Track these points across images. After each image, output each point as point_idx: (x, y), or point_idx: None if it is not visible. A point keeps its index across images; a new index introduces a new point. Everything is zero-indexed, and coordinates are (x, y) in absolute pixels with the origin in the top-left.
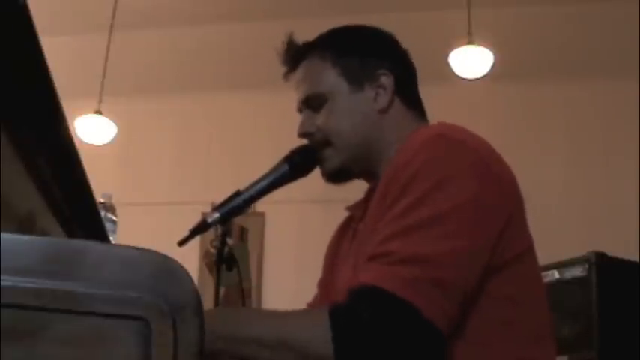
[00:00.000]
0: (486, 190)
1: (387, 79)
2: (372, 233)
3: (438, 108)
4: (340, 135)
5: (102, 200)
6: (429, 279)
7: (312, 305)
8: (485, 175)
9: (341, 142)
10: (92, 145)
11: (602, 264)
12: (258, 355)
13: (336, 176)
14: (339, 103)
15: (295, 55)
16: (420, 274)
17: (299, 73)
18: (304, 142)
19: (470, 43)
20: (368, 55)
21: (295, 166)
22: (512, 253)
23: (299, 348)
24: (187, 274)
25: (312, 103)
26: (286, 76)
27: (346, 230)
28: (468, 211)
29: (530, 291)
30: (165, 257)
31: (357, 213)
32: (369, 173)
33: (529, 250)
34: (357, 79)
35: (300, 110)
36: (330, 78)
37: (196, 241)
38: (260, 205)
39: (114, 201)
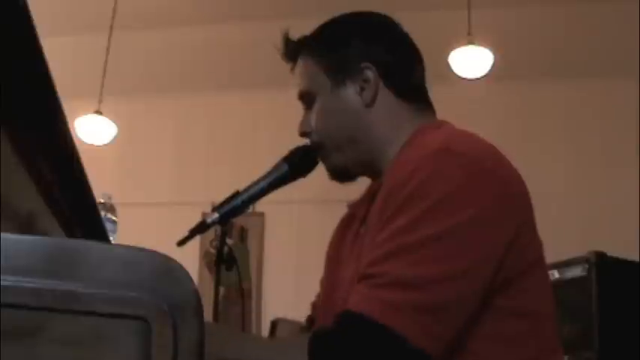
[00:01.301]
0: (488, 207)
1: (370, 72)
2: (371, 248)
3: (438, 108)
4: (328, 136)
5: (102, 200)
6: (416, 303)
7: (315, 305)
8: (488, 191)
9: (331, 141)
10: (92, 145)
11: (602, 264)
12: None
13: (338, 175)
14: (323, 101)
15: (291, 52)
16: (407, 299)
17: (297, 70)
18: (304, 142)
19: (470, 43)
20: (350, 49)
21: (295, 166)
22: (520, 266)
23: None
24: (187, 274)
25: (305, 102)
26: (292, 69)
27: (348, 228)
28: (464, 232)
29: (540, 303)
30: (166, 257)
31: (359, 212)
32: (371, 171)
33: (538, 261)
34: (339, 76)
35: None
36: (316, 76)
37: (196, 241)
38: (260, 206)
39: (114, 201)
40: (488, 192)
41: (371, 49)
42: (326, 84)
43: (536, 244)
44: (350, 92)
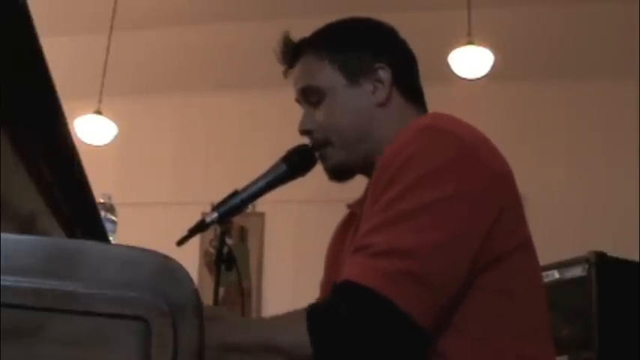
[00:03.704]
0: (474, 183)
1: (384, 73)
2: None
3: (438, 108)
4: (339, 131)
5: (102, 200)
6: (407, 272)
7: None
8: (474, 167)
9: (340, 139)
10: (92, 145)
11: (602, 264)
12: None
13: (339, 173)
14: (336, 99)
15: (292, 52)
16: (398, 267)
17: (297, 70)
18: (304, 140)
19: (470, 43)
20: (364, 49)
21: (293, 165)
22: (506, 246)
23: (280, 351)
24: (187, 274)
25: (310, 98)
26: (285, 73)
27: (348, 227)
28: (452, 203)
29: (527, 285)
30: (166, 257)
31: (358, 210)
32: (370, 169)
33: (525, 244)
34: (354, 74)
35: (298, 101)
36: (327, 74)
37: (196, 241)
38: (260, 205)
39: (114, 201)
40: (474, 168)
41: (384, 51)
42: (339, 81)
43: (522, 230)
44: (364, 91)
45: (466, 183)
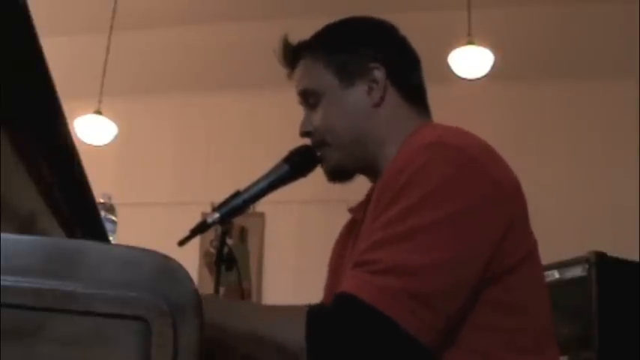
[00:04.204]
0: (482, 199)
1: (379, 73)
2: (366, 237)
3: (438, 108)
4: (334, 133)
5: (102, 200)
6: (409, 290)
7: None
8: (482, 183)
9: (336, 140)
10: (92, 145)
11: (602, 264)
12: (238, 346)
13: (337, 174)
14: (331, 100)
15: (291, 55)
16: (400, 286)
17: (297, 72)
18: (304, 141)
19: (470, 43)
20: (359, 49)
21: (295, 166)
22: (514, 259)
23: (276, 344)
24: (187, 274)
25: (309, 101)
26: (289, 76)
27: (350, 234)
28: (458, 221)
29: (533, 298)
30: (165, 257)
31: (359, 215)
32: (370, 170)
33: (532, 253)
34: (348, 75)
35: (301, 103)
36: (322, 76)
37: (196, 241)
38: (260, 205)
39: (114, 201)
40: (480, 184)
41: (379, 50)
42: (334, 84)
43: (528, 241)
44: (359, 92)
45: (471, 200)
